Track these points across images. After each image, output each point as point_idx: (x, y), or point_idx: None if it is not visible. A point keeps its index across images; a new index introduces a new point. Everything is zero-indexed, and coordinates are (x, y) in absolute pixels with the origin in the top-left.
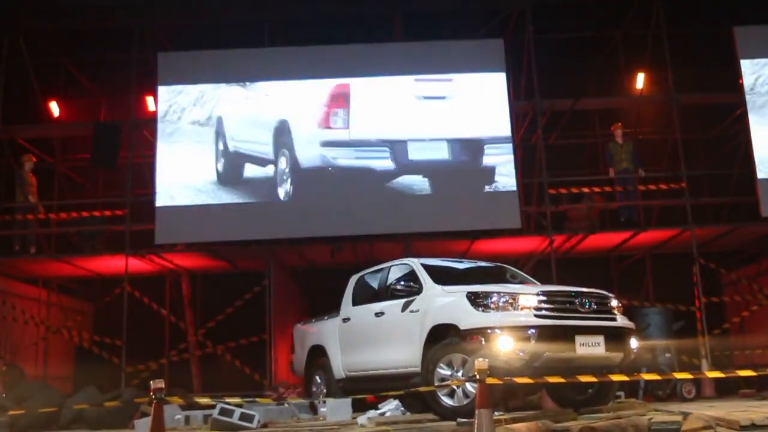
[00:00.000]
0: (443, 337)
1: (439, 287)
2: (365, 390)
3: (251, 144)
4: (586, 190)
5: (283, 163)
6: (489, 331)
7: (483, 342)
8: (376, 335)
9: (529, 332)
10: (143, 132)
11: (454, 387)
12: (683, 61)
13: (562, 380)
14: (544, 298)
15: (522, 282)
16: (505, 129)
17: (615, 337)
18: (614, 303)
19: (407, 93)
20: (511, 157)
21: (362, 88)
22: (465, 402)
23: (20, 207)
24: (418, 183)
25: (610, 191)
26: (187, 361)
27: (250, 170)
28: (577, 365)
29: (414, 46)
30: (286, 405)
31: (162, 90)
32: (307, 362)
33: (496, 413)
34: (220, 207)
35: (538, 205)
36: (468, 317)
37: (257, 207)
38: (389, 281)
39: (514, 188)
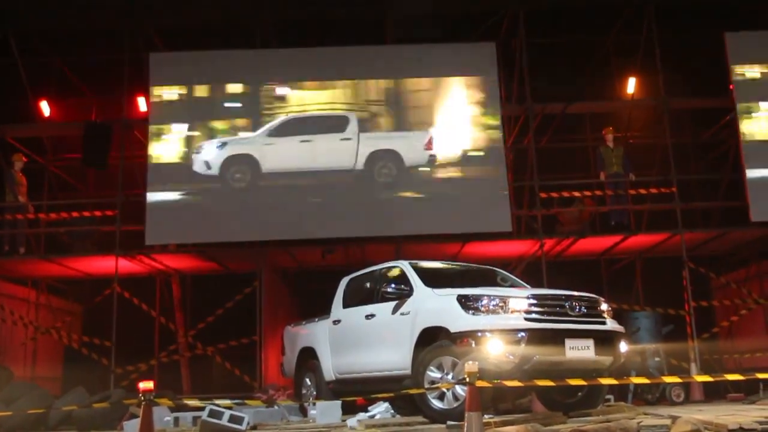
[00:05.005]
0: (433, 340)
1: (429, 290)
2: (355, 392)
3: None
4: (577, 193)
5: None
6: (479, 334)
7: (473, 345)
8: (367, 337)
9: (519, 335)
10: (134, 132)
11: (444, 390)
12: (674, 66)
13: (551, 383)
14: (535, 301)
15: (512, 285)
16: (496, 132)
17: (605, 340)
18: (604, 306)
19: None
20: (503, 161)
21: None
22: (455, 405)
23: (10, 207)
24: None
25: (600, 195)
26: (177, 362)
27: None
28: (567, 368)
29: (406, 49)
30: (276, 407)
31: (154, 90)
32: (297, 364)
33: (485, 416)
34: (211, 208)
35: (529, 209)
36: (458, 320)
37: (248, 208)
38: (380, 283)
39: (506, 191)
